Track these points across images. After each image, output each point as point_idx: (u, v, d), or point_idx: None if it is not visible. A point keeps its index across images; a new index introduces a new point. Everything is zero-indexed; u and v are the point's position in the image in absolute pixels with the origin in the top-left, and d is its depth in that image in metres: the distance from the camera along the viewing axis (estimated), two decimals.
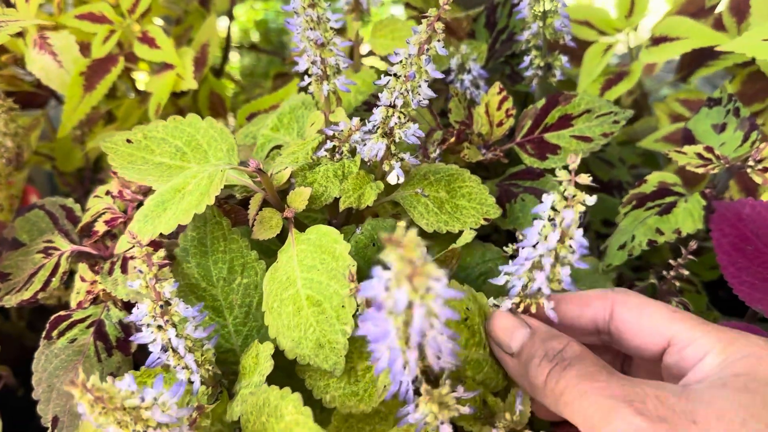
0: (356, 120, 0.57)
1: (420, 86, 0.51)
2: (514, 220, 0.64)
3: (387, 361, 0.36)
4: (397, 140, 0.53)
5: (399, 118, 0.52)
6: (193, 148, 0.58)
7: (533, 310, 0.45)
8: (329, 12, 0.58)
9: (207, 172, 0.49)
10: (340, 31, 0.82)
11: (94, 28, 0.82)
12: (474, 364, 0.45)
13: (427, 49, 0.49)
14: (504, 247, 0.60)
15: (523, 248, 0.43)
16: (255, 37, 1.64)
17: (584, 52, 0.91)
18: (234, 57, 1.55)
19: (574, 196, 0.40)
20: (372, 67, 0.81)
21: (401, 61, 0.50)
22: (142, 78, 1.05)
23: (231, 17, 1.06)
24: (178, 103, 0.99)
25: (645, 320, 0.43)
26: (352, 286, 0.47)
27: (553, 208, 0.41)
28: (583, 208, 0.40)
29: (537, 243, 0.42)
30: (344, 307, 0.46)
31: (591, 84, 0.83)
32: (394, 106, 0.51)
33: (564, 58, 0.71)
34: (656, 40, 0.82)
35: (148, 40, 0.81)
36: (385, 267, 0.31)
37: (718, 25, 0.86)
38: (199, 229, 0.54)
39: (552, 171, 0.66)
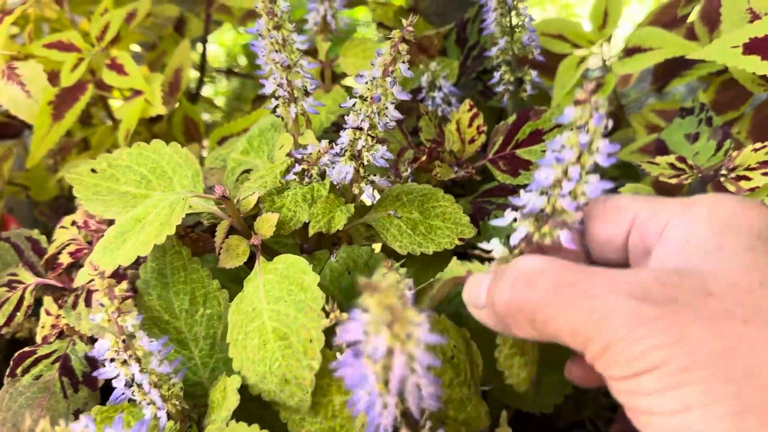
0: (325, 142, 0.56)
1: (387, 108, 0.50)
2: (488, 237, 0.63)
3: (365, 404, 0.35)
4: (365, 163, 0.53)
5: (366, 140, 0.51)
6: (158, 176, 0.57)
7: (547, 241, 0.38)
8: (295, 34, 0.57)
9: (168, 201, 0.48)
10: (312, 52, 0.82)
11: (63, 57, 0.81)
12: (457, 403, 0.44)
13: (392, 71, 0.48)
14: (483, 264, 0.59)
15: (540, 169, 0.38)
16: (242, 61, 1.64)
17: (558, 65, 0.91)
18: (222, 82, 1.54)
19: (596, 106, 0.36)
20: (343, 86, 0.81)
21: (366, 83, 0.49)
22: (117, 105, 1.04)
23: (205, 42, 1.05)
24: (153, 129, 0.98)
25: (609, 205, 0.38)
26: (333, 316, 0.46)
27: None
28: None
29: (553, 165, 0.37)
30: (312, 342, 0.45)
31: (565, 96, 0.83)
32: (360, 129, 0.50)
33: (534, 73, 0.71)
34: (629, 51, 0.82)
35: (116, 67, 0.80)
36: (365, 310, 0.29)
37: (691, 35, 0.86)
38: (159, 260, 0.52)
39: (525, 187, 0.66)
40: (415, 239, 0.57)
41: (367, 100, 0.50)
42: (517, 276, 0.35)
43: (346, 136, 0.52)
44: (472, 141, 0.69)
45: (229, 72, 1.25)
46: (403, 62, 0.49)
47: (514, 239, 0.39)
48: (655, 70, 0.87)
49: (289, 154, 0.59)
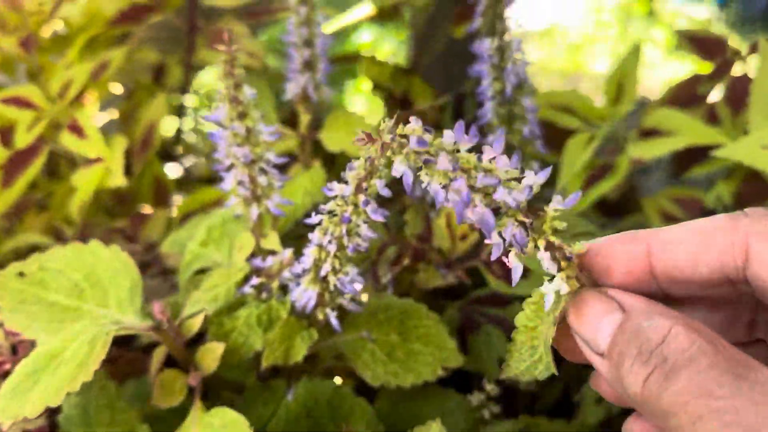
0: (288, 252, 0.48)
1: (359, 227, 0.42)
2: (476, 357, 0.55)
3: None
4: (332, 288, 0.44)
5: (333, 263, 0.43)
6: (92, 284, 0.49)
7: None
8: (261, 124, 0.49)
9: (89, 335, 0.40)
10: (293, 123, 0.74)
11: (19, 115, 0.74)
12: None
13: (366, 188, 0.40)
14: (468, 394, 0.51)
15: None
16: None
17: (564, 139, 0.83)
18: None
19: None
20: (324, 165, 0.73)
21: (336, 199, 0.41)
22: None
23: (184, 92, 0.97)
24: (120, 191, 0.90)
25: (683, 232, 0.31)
26: None
27: None
28: None
29: None
30: None
31: (572, 179, 0.75)
32: (327, 250, 0.42)
33: (536, 165, 0.62)
34: (646, 133, 0.74)
35: (76, 129, 0.73)
36: None
37: (712, 117, 0.78)
38: (84, 394, 0.44)
39: (521, 298, 0.57)
40: (390, 368, 0.48)
41: (336, 217, 0.41)
42: (659, 362, 0.27)
43: (309, 256, 0.43)
44: (463, 238, 0.61)
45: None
46: (380, 178, 0.40)
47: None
48: (674, 155, 0.79)
49: (249, 259, 0.51)
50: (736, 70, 0.79)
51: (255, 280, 0.48)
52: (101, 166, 0.72)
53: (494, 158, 0.30)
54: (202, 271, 0.56)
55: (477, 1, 0.68)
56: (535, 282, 0.58)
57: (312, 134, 0.71)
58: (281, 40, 0.68)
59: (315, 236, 0.43)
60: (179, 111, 1.01)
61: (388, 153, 0.30)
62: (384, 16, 0.97)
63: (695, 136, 0.68)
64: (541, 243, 0.31)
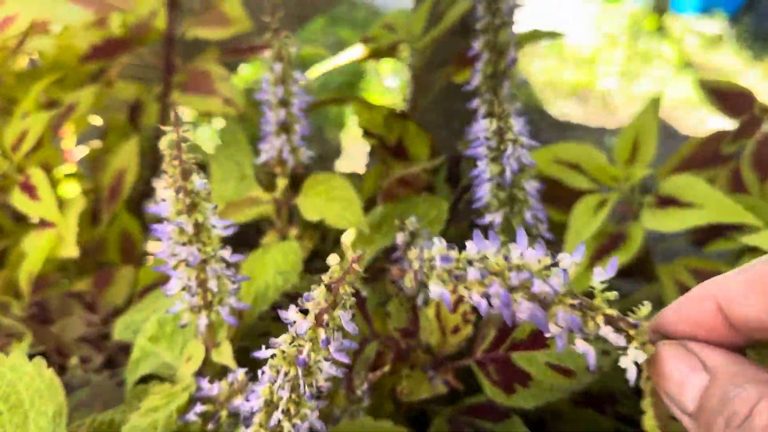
0: (240, 374, 0.40)
1: (319, 364, 0.34)
2: None
3: None
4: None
5: (287, 407, 0.35)
6: (11, 406, 0.41)
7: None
8: (213, 216, 0.41)
9: None
10: (268, 186, 0.66)
11: None
12: None
13: (327, 322, 0.33)
14: None
15: None
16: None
17: (571, 198, 0.75)
18: None
19: None
20: (300, 237, 0.65)
21: (291, 335, 0.34)
22: None
23: (159, 135, 0.89)
24: (85, 242, 0.82)
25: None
26: None
27: None
28: None
29: None
30: None
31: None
32: (279, 395, 0.34)
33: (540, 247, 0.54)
34: (663, 201, 0.66)
35: (28, 189, 0.65)
36: None
37: (737, 181, 0.70)
38: None
39: (520, 411, 0.50)
40: None
41: (287, 359, 0.34)
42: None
43: (258, 396, 0.35)
44: (455, 331, 0.53)
45: None
46: (346, 308, 0.33)
47: None
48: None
49: (196, 375, 0.43)
50: (765, 128, 0.72)
51: (200, 408, 0.40)
52: (54, 232, 0.64)
53: (522, 254, 0.30)
54: (152, 377, 0.49)
55: (477, 56, 0.61)
56: (536, 390, 0.50)
57: (289, 199, 0.63)
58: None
59: (265, 374, 0.35)
60: (155, 152, 0.94)
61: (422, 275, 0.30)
62: (380, 56, 0.89)
63: (718, 212, 0.60)
64: (600, 319, 0.30)
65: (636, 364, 0.30)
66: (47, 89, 0.89)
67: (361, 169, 1.61)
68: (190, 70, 0.85)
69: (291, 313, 0.34)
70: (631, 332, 0.30)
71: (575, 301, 0.30)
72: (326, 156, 1.74)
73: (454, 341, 0.53)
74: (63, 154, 1.12)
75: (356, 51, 0.88)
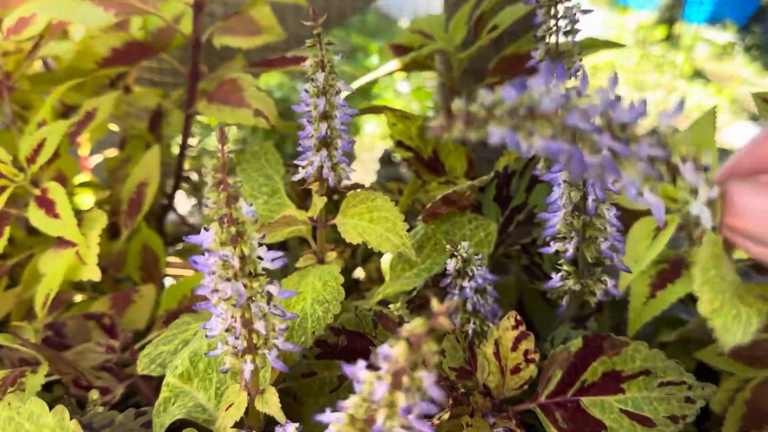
0: (291, 429, 0.35)
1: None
2: None
3: None
4: None
5: None
6: None
7: None
8: (261, 248, 0.37)
9: None
10: (299, 203, 0.62)
11: None
12: None
13: (408, 388, 0.28)
14: None
15: None
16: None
17: (629, 219, 0.70)
18: None
19: None
20: (343, 252, 0.60)
21: (361, 398, 0.29)
22: None
23: (184, 147, 0.85)
24: (103, 258, 0.78)
25: None
26: None
27: None
28: None
29: None
30: None
31: (638, 277, 0.62)
32: None
33: (611, 283, 0.49)
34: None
35: (45, 204, 0.60)
36: None
37: None
38: None
39: None
40: None
41: (356, 424, 0.29)
42: None
43: None
44: (516, 370, 0.48)
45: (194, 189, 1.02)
46: (430, 369, 0.28)
47: None
48: None
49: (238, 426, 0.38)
50: None
51: None
52: (72, 252, 0.59)
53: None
54: (184, 424, 0.44)
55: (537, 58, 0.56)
56: None
57: (327, 220, 0.59)
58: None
59: None
60: (179, 162, 0.89)
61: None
62: (416, 67, 0.85)
63: None
64: (676, 159, 0.27)
65: (711, 202, 0.29)
66: (64, 96, 0.85)
67: (372, 177, 1.56)
68: (216, 78, 0.80)
69: (360, 371, 0.29)
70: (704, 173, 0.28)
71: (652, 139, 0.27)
72: None
73: (514, 384, 0.48)
74: (80, 161, 1.07)
75: (393, 63, 0.84)
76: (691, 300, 0.74)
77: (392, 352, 0.28)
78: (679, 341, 0.72)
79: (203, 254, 0.36)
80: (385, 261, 0.65)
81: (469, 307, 0.54)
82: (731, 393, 0.67)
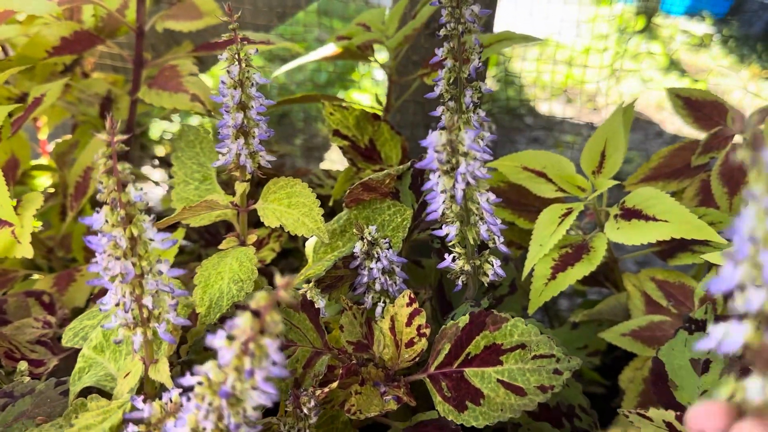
0: (174, 394, 0.39)
1: (243, 401, 0.33)
2: None
3: None
4: None
5: None
6: None
7: None
8: (151, 229, 0.40)
9: None
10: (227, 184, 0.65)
11: None
12: None
13: (252, 352, 0.32)
14: None
15: None
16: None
17: (538, 205, 0.74)
18: None
19: None
20: (266, 239, 0.64)
21: (216, 363, 0.33)
22: None
23: (131, 128, 0.88)
24: (46, 243, 0.81)
25: None
26: None
27: None
28: None
29: None
30: None
31: (542, 260, 0.66)
32: (203, 426, 0.33)
33: (496, 263, 0.53)
34: (627, 213, 0.65)
35: None
36: None
37: (706, 193, 0.70)
38: None
39: (470, 430, 0.49)
40: None
41: (211, 387, 0.33)
42: None
43: (183, 426, 0.34)
44: (410, 344, 0.52)
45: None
46: (273, 337, 0.32)
47: None
48: None
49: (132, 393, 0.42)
50: (737, 140, 0.71)
51: (132, 429, 0.39)
52: (7, 231, 0.63)
53: None
54: (93, 390, 0.47)
55: (442, 65, 0.60)
56: (487, 409, 0.49)
57: (248, 204, 0.62)
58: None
59: (191, 402, 0.34)
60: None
61: None
62: (353, 56, 0.88)
63: (682, 228, 0.59)
64: None
65: None
66: (18, 82, 0.87)
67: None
68: (159, 65, 0.84)
69: (218, 340, 0.33)
70: None
71: None
72: (314, 147, 1.72)
73: (408, 356, 0.52)
74: (40, 145, 1.10)
75: (328, 48, 0.87)
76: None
77: (240, 322, 0.32)
78: (591, 322, 0.77)
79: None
80: (310, 244, 0.69)
81: (377, 287, 0.58)
82: (636, 371, 0.71)
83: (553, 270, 0.65)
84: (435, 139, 0.43)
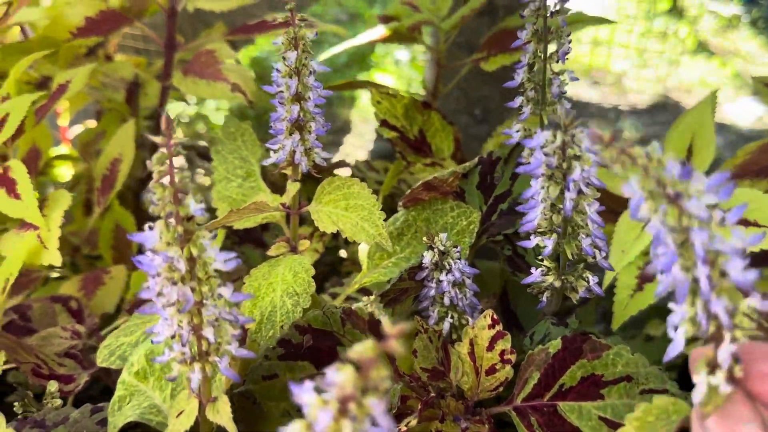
0: None
1: None
2: None
3: None
4: None
5: None
6: None
7: None
8: (211, 248, 0.34)
9: None
10: (278, 186, 0.59)
11: None
12: None
13: (354, 416, 0.25)
14: None
15: None
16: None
17: (619, 206, 0.67)
18: None
19: None
20: (308, 238, 0.58)
21: (306, 424, 0.26)
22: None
23: (158, 119, 0.81)
24: (71, 240, 0.75)
25: None
26: None
27: None
28: None
29: None
30: None
31: (626, 268, 0.60)
32: None
33: (593, 279, 0.47)
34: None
35: (7, 183, 0.57)
36: None
37: None
38: None
39: None
40: None
41: None
42: None
43: None
44: (491, 371, 0.46)
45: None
46: (380, 396, 0.25)
47: None
48: None
49: None
50: None
51: None
52: (34, 235, 0.57)
53: None
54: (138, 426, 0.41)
55: (521, 48, 0.53)
56: None
57: (300, 206, 0.56)
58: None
59: None
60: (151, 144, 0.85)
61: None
62: (401, 39, 0.81)
63: None
64: None
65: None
66: (39, 66, 0.81)
67: (368, 148, 1.52)
68: (192, 49, 0.77)
69: (306, 394, 0.26)
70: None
71: None
72: (334, 131, 1.65)
73: (489, 384, 0.46)
74: (60, 132, 1.04)
75: (376, 32, 0.80)
76: None
77: (338, 378, 0.25)
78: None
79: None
80: (363, 249, 0.63)
81: (446, 301, 0.52)
82: None
83: (639, 280, 0.58)
84: (545, 139, 0.36)
